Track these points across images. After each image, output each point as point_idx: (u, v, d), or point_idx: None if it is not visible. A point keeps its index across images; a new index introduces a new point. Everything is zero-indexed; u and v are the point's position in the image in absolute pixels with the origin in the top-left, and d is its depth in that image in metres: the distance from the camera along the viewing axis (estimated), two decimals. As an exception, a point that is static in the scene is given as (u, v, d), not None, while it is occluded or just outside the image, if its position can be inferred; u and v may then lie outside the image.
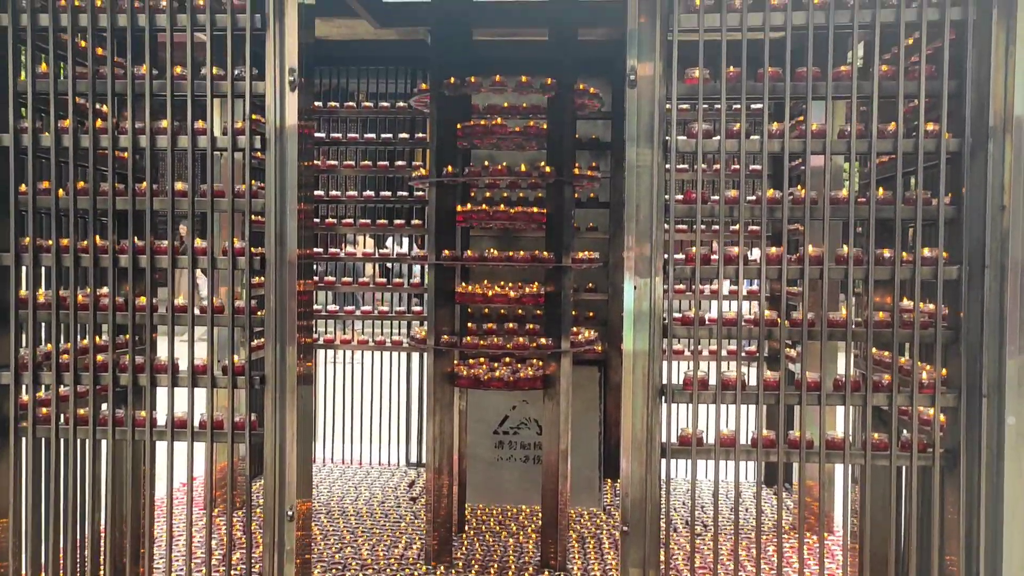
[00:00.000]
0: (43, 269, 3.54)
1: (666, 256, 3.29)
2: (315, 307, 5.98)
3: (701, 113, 3.27)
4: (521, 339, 4.70)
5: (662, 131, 3.26)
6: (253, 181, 3.54)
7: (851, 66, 3.26)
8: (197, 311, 3.46)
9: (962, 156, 3.20)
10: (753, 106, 4.86)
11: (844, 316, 3.31)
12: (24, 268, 3.46)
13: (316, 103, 6.06)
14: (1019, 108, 3.09)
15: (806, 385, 3.29)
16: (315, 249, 5.70)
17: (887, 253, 3.27)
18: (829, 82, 3.27)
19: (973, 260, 3.18)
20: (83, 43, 3.47)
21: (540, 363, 4.78)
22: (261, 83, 3.37)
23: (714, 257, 3.33)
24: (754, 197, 3.43)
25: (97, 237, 3.47)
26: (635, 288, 3.28)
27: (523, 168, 4.67)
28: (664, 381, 3.32)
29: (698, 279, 3.38)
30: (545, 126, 4.86)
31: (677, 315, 3.36)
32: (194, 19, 3.38)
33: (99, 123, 3.43)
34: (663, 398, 3.33)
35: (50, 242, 3.45)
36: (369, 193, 6.25)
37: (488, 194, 5.42)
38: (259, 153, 3.43)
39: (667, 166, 3.29)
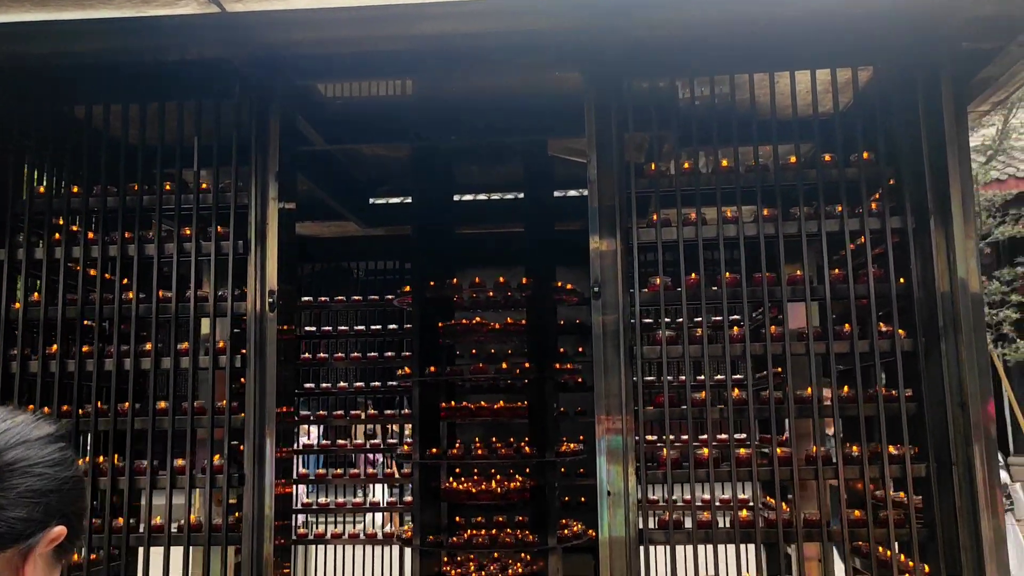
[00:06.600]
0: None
1: (637, 465, 3.32)
2: (306, 501, 5.96)
3: (664, 326, 3.40)
4: (508, 539, 4.64)
5: (628, 340, 3.36)
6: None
7: (804, 272, 3.41)
8: (175, 529, 3.47)
9: (917, 355, 3.29)
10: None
11: (817, 516, 3.31)
12: None
13: (307, 297, 6.26)
14: (965, 310, 3.20)
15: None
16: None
17: (856, 451, 3.30)
18: (784, 287, 3.41)
19: (940, 457, 3.21)
20: (77, 267, 3.65)
21: (529, 557, 4.70)
22: (243, 303, 3.52)
23: (685, 464, 3.37)
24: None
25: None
26: (609, 494, 3.30)
27: (504, 365, 4.76)
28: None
29: (670, 484, 3.40)
30: (524, 321, 4.99)
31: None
32: (181, 248, 3.58)
33: (86, 348, 3.56)
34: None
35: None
36: (360, 384, 6.33)
37: (472, 384, 5.49)
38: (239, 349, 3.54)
39: (635, 379, 3.37)
